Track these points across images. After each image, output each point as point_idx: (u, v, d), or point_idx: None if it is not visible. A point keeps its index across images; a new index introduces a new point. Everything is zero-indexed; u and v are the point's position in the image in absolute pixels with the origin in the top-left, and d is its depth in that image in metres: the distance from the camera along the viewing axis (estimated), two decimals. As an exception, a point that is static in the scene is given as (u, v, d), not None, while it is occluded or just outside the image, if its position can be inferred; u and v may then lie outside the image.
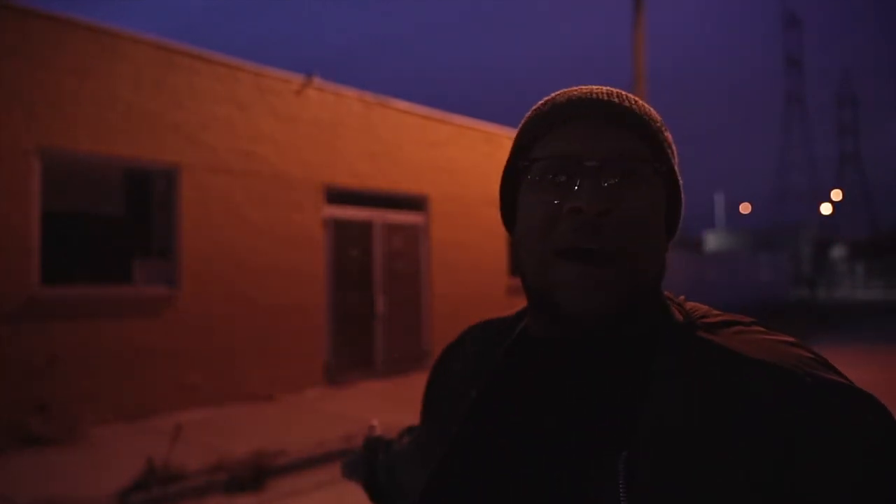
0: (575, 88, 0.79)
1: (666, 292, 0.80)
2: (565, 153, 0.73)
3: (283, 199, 8.57)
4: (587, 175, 0.71)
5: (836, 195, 62.51)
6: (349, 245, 9.43)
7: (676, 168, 0.78)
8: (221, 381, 7.71)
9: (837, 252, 50.22)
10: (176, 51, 7.75)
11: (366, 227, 9.65)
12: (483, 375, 0.83)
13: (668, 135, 0.79)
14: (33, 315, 6.41)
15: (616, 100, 0.76)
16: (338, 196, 9.29)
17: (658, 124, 0.77)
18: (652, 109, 0.79)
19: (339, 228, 9.29)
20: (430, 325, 10.31)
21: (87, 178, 7.58)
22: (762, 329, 0.72)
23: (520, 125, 0.82)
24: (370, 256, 9.68)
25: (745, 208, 63.08)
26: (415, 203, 10.42)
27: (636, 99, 0.78)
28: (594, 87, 0.79)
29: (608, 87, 0.78)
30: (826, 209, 60.03)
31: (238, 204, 8.11)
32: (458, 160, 10.96)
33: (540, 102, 0.82)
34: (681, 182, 0.79)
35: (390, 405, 7.64)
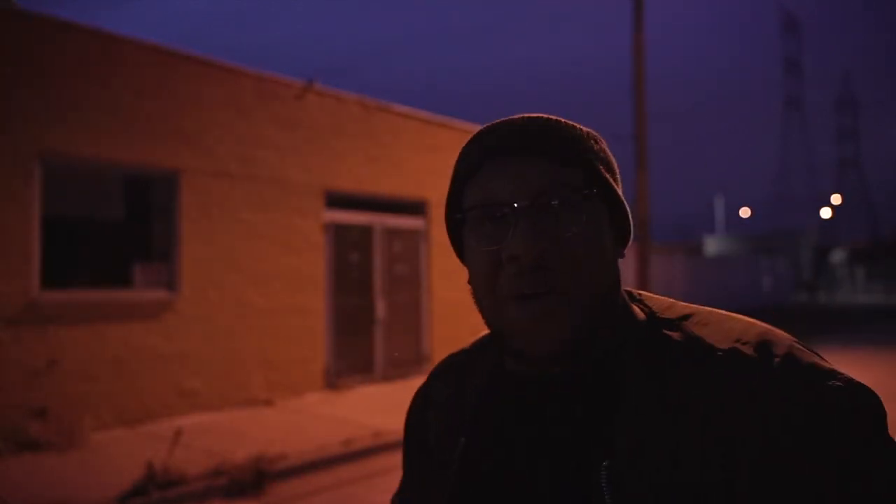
0: (498, 121, 0.78)
1: (625, 289, 0.80)
2: (494, 196, 0.73)
3: (283, 203, 8.58)
4: (519, 217, 0.70)
5: (836, 199, 62.52)
6: (349, 249, 9.43)
7: (614, 180, 0.77)
8: (221, 386, 7.71)
9: (837, 256, 50.22)
10: (177, 56, 7.77)
11: (366, 232, 9.65)
12: (466, 419, 0.82)
13: (600, 146, 0.77)
14: (33, 319, 6.41)
15: (535, 128, 0.74)
16: (338, 200, 9.30)
17: (585, 142, 0.75)
18: (578, 126, 0.77)
19: (339, 233, 9.30)
20: (430, 330, 10.30)
21: (87, 182, 7.58)
22: (722, 315, 0.74)
23: (454, 167, 0.81)
24: (370, 261, 9.68)
25: (745, 212, 63.10)
26: (415, 207, 10.43)
27: (558, 120, 0.76)
28: (516, 117, 0.77)
29: (529, 116, 0.76)
30: (826, 213, 60.04)
31: (238, 208, 8.11)
32: (458, 164, 10.97)
33: (467, 141, 0.80)
34: (620, 193, 0.78)
35: (390, 410, 7.63)
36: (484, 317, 0.79)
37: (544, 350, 0.71)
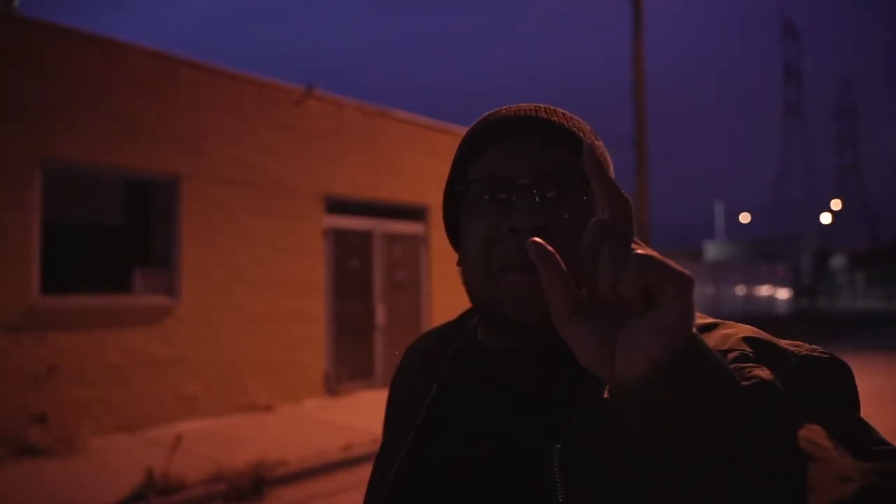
0: (504, 107, 0.81)
1: None
2: (498, 173, 0.75)
3: (283, 208, 8.58)
4: (521, 193, 0.72)
5: (836, 205, 62.59)
6: (349, 255, 9.44)
7: (610, 175, 0.79)
8: (221, 392, 7.70)
9: (837, 261, 50.22)
10: (178, 61, 7.78)
11: (366, 237, 9.66)
12: (439, 373, 0.85)
13: (600, 143, 0.80)
14: (33, 325, 6.41)
15: (544, 115, 0.77)
16: (338, 206, 9.31)
17: (587, 134, 0.79)
18: (581, 121, 0.80)
19: (339, 238, 9.30)
20: (431, 335, 10.29)
21: (87, 187, 7.59)
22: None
23: (458, 147, 0.83)
24: (370, 266, 9.68)
25: (744, 218, 63.12)
26: (415, 213, 10.43)
27: (564, 112, 0.80)
28: (523, 104, 0.80)
29: (536, 104, 0.80)
30: (826, 219, 60.07)
31: (238, 214, 8.12)
32: (458, 170, 10.98)
33: (473, 124, 0.83)
34: None
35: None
36: (471, 292, 0.80)
37: (534, 319, 0.71)
